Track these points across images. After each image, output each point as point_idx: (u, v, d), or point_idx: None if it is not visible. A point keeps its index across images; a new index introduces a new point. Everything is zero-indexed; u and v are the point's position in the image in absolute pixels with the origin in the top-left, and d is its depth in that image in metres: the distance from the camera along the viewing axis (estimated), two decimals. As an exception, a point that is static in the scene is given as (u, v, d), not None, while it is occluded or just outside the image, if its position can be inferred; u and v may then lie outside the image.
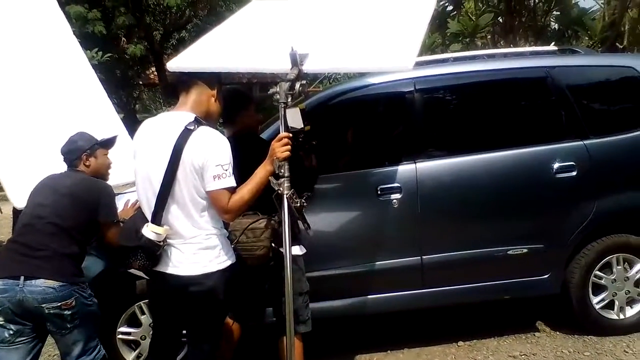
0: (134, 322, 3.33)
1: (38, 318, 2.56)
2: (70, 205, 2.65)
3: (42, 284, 2.51)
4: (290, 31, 2.75)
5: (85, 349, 2.66)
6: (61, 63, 4.00)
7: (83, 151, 2.80)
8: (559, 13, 7.02)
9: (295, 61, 2.35)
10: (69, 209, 2.64)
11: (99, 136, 2.92)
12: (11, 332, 2.55)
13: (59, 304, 2.53)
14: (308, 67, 2.39)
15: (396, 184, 3.34)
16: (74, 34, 4.37)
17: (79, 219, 2.65)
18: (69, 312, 2.56)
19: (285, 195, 2.39)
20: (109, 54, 8.02)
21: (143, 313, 3.30)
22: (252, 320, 3.21)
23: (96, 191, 2.73)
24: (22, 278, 2.51)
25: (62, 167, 2.88)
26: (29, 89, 3.70)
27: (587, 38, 7.68)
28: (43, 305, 2.50)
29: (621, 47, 7.02)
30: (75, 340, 2.63)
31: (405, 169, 3.38)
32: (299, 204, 2.44)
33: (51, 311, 2.52)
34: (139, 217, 2.41)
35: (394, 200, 3.33)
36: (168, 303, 2.47)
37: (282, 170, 2.38)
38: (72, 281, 2.59)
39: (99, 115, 3.94)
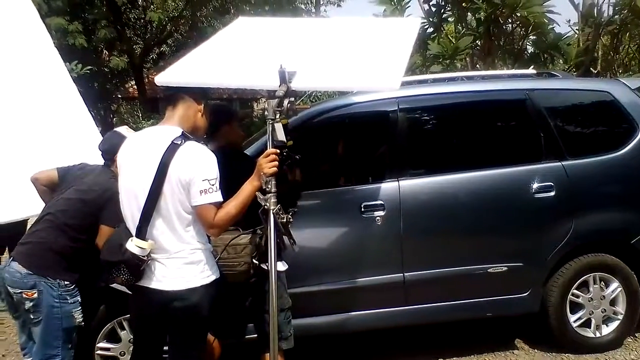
0: (114, 337, 3.27)
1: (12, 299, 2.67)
2: (76, 203, 2.70)
3: (15, 267, 2.61)
4: (278, 49, 2.79)
5: (43, 353, 2.66)
6: (41, 75, 3.97)
7: (116, 152, 2.76)
8: (535, 37, 7.20)
9: (284, 78, 2.37)
10: (74, 205, 2.69)
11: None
12: (3, 304, 2.72)
13: (21, 291, 2.60)
14: (296, 84, 2.42)
15: (379, 202, 3.37)
16: (54, 45, 4.34)
17: (80, 217, 2.69)
18: (30, 304, 2.61)
19: (272, 211, 2.40)
20: (89, 67, 7.95)
21: (123, 328, 3.25)
22: (233, 336, 3.19)
23: (109, 193, 2.69)
24: (11, 259, 2.66)
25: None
26: (7, 100, 3.66)
27: (562, 62, 7.91)
28: (10, 287, 2.61)
29: (595, 72, 7.24)
30: (37, 335, 2.67)
31: (388, 187, 3.41)
32: (285, 220, 2.45)
33: (15, 296, 2.63)
34: (123, 231, 2.38)
35: (377, 218, 3.35)
36: (151, 318, 2.44)
37: (269, 186, 2.39)
38: (40, 273, 2.62)
39: (79, 127, 3.91)
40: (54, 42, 4.36)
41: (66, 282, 2.69)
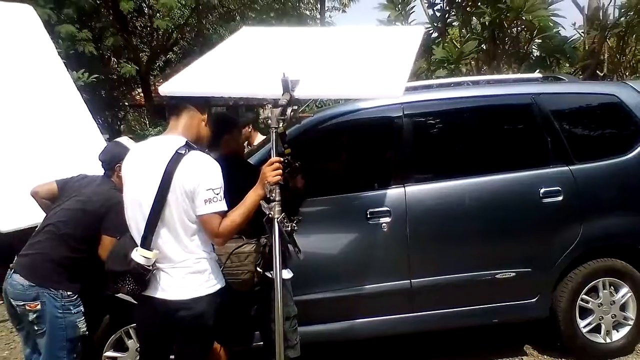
0: (121, 346, 3.27)
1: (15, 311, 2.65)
2: (77, 213, 2.70)
3: (17, 280, 2.60)
4: (281, 58, 2.79)
5: None
6: (46, 84, 4.00)
7: (116, 162, 2.80)
8: (540, 41, 7.17)
9: (287, 87, 2.37)
10: (74, 216, 2.69)
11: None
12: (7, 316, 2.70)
13: (24, 303, 2.60)
14: (299, 93, 2.41)
15: (385, 208, 3.36)
16: (61, 54, 4.37)
17: (80, 227, 2.69)
18: (34, 315, 2.61)
19: (276, 219, 2.39)
20: (96, 75, 7.98)
21: (130, 337, 3.25)
22: (239, 344, 3.17)
23: (110, 203, 2.71)
24: (12, 271, 2.64)
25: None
26: (11, 110, 3.68)
27: (568, 65, 7.86)
28: (12, 300, 2.61)
29: (601, 74, 7.20)
30: (42, 347, 2.66)
31: (394, 193, 3.39)
32: (289, 228, 2.44)
33: (18, 309, 2.62)
34: (127, 241, 2.38)
35: (383, 224, 3.34)
36: (157, 328, 2.44)
37: (273, 195, 2.38)
38: (43, 284, 2.61)
39: (83, 136, 3.93)
40: (64, 50, 4.39)
41: (69, 293, 2.69)
